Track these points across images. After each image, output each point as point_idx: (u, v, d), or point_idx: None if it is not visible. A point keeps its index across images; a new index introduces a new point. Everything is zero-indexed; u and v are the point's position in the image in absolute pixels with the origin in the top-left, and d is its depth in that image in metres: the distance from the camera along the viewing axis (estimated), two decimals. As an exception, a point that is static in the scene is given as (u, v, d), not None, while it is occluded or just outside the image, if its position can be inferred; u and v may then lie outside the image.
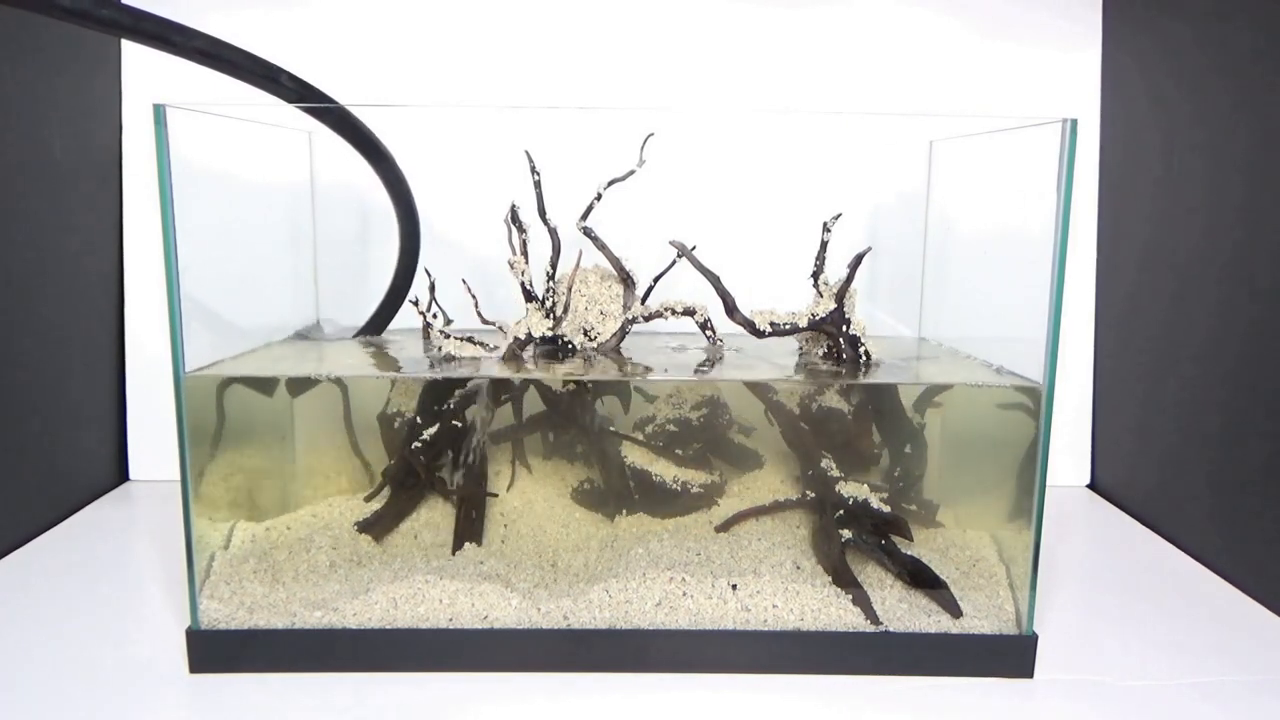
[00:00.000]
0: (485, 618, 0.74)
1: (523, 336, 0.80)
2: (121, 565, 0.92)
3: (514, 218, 0.80)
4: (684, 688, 0.72)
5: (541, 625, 0.73)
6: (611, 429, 0.85)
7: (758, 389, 0.85)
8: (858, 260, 0.79)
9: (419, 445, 0.83)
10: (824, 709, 0.69)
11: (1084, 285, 1.17)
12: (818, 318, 0.80)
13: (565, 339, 0.81)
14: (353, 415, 0.87)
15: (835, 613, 0.74)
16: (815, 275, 0.81)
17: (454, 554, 0.79)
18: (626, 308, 0.83)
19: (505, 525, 0.82)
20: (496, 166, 0.85)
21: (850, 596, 0.74)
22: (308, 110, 0.81)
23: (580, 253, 0.81)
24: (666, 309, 0.83)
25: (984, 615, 0.75)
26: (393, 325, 0.97)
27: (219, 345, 0.78)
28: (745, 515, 0.82)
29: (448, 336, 0.82)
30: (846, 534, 0.77)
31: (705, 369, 0.82)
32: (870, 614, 0.74)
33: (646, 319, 0.82)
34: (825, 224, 0.80)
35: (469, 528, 0.80)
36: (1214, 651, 0.77)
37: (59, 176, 1.02)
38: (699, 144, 1.01)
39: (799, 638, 0.73)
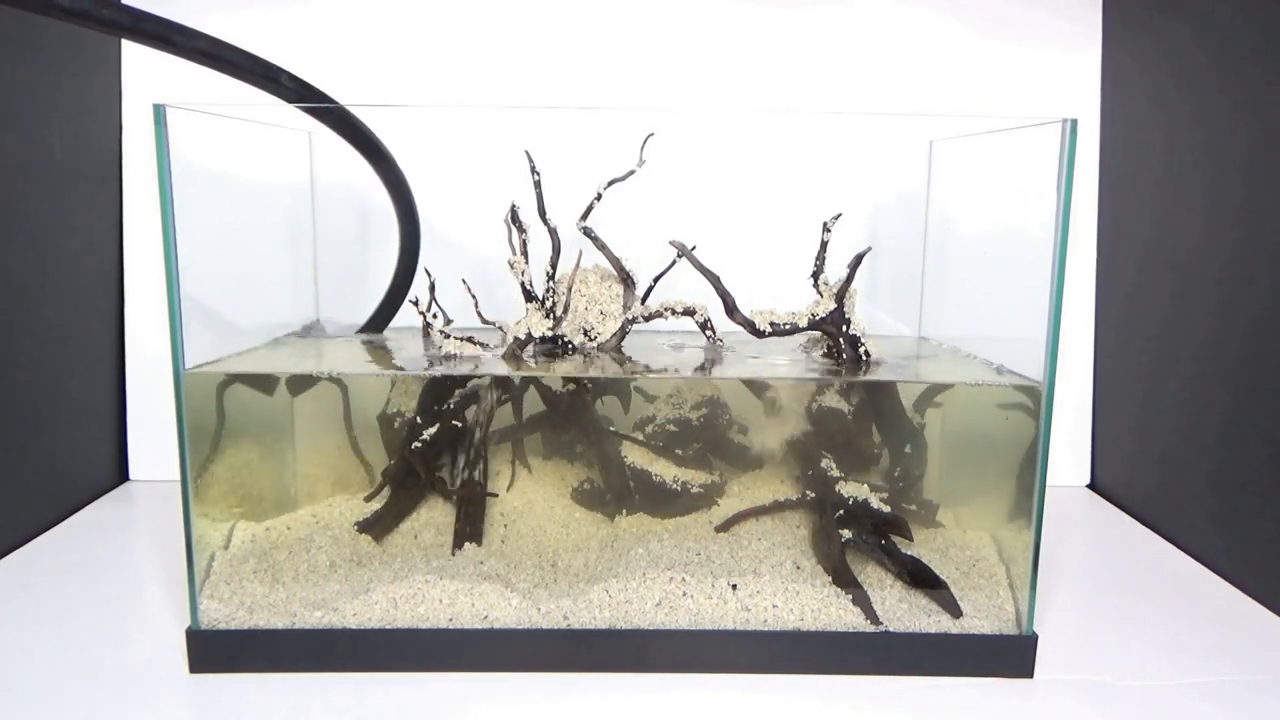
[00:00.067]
0: (485, 618, 0.74)
1: (523, 336, 0.80)
2: (121, 565, 0.91)
3: (514, 218, 0.80)
4: (684, 688, 0.72)
5: (541, 625, 0.73)
6: (612, 429, 0.85)
7: (756, 387, 0.85)
8: (858, 260, 0.79)
9: (419, 445, 0.82)
10: (824, 709, 0.69)
11: (1084, 285, 1.17)
12: (818, 318, 0.80)
13: (565, 339, 0.81)
14: (353, 415, 0.87)
15: (835, 613, 0.74)
16: (815, 275, 0.81)
17: (454, 554, 0.79)
18: (626, 308, 0.83)
19: (505, 525, 0.82)
20: (496, 166, 0.85)
21: (850, 596, 0.74)
22: (308, 110, 0.81)
23: (580, 253, 0.81)
24: (666, 309, 0.83)
25: (984, 615, 0.75)
26: (392, 324, 0.97)
27: (219, 345, 0.78)
28: (745, 515, 0.82)
29: (448, 336, 0.82)
30: (846, 534, 0.77)
31: (705, 368, 0.82)
32: (870, 614, 0.74)
33: (646, 319, 0.82)
34: (825, 224, 0.80)
35: (469, 528, 0.80)
36: (1214, 651, 0.77)
37: (59, 176, 1.02)
38: (699, 144, 1.01)
39: (799, 638, 0.73)
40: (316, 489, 0.87)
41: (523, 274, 0.81)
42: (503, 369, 0.79)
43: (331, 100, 0.81)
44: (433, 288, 0.87)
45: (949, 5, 1.14)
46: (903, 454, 0.84)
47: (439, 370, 0.82)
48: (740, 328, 0.81)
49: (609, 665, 0.73)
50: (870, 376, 0.80)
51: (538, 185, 0.80)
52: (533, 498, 0.85)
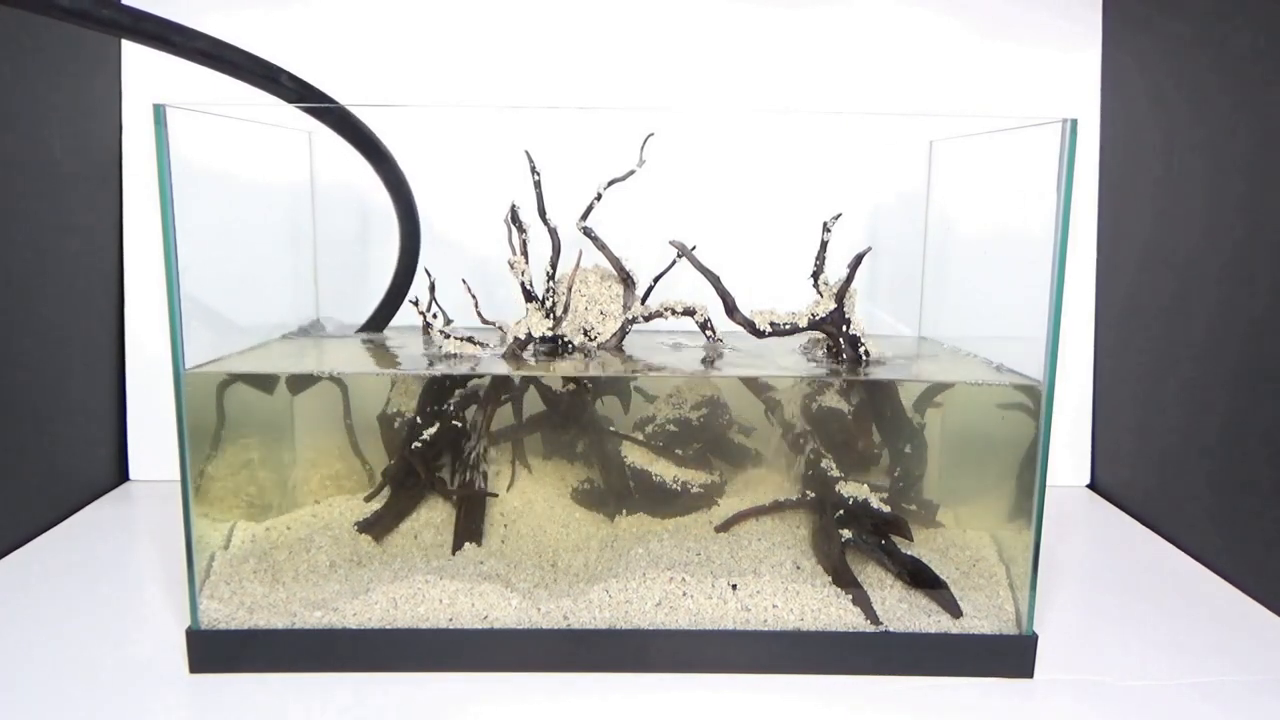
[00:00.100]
0: (485, 618, 0.74)
1: (523, 336, 0.80)
2: (121, 565, 0.91)
3: (514, 218, 0.80)
4: (684, 688, 0.72)
5: (541, 625, 0.73)
6: (612, 429, 0.85)
7: (756, 386, 0.85)
8: (858, 260, 0.79)
9: (419, 445, 0.82)
10: (824, 709, 0.69)
11: (1084, 285, 1.17)
12: (818, 318, 0.80)
13: (565, 339, 0.81)
14: (353, 414, 0.87)
15: (835, 613, 0.74)
16: (815, 275, 0.81)
17: (454, 554, 0.79)
18: (626, 308, 0.83)
19: (505, 525, 0.82)
20: (496, 166, 0.85)
21: (850, 596, 0.74)
22: (308, 110, 0.81)
23: (580, 253, 0.81)
24: (666, 309, 0.83)
25: (984, 615, 0.75)
26: (392, 324, 0.97)
27: (219, 345, 0.78)
28: (745, 515, 0.82)
29: (448, 336, 0.82)
30: (846, 534, 0.76)
31: (705, 368, 0.82)
32: (870, 614, 0.74)
33: (646, 319, 0.82)
34: (825, 224, 0.80)
35: (469, 528, 0.80)
36: (1214, 651, 0.77)
37: (59, 176, 1.02)
38: (699, 144, 1.01)
39: (799, 638, 0.73)
40: (317, 489, 0.87)
41: (523, 274, 0.81)
42: (503, 369, 0.79)
43: (331, 100, 0.81)
44: (433, 287, 0.87)
45: (949, 5, 1.14)
46: (903, 454, 0.84)
47: (439, 370, 0.82)
48: (740, 328, 0.81)
49: (609, 665, 0.73)
50: (870, 376, 0.80)
51: (538, 185, 0.80)
52: (533, 498, 0.85)
